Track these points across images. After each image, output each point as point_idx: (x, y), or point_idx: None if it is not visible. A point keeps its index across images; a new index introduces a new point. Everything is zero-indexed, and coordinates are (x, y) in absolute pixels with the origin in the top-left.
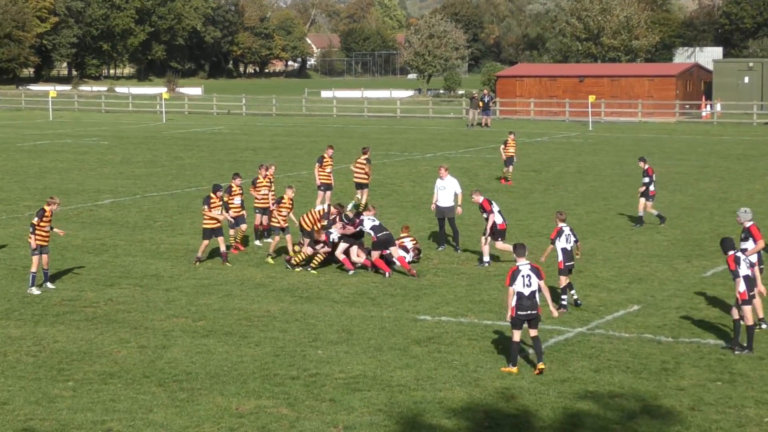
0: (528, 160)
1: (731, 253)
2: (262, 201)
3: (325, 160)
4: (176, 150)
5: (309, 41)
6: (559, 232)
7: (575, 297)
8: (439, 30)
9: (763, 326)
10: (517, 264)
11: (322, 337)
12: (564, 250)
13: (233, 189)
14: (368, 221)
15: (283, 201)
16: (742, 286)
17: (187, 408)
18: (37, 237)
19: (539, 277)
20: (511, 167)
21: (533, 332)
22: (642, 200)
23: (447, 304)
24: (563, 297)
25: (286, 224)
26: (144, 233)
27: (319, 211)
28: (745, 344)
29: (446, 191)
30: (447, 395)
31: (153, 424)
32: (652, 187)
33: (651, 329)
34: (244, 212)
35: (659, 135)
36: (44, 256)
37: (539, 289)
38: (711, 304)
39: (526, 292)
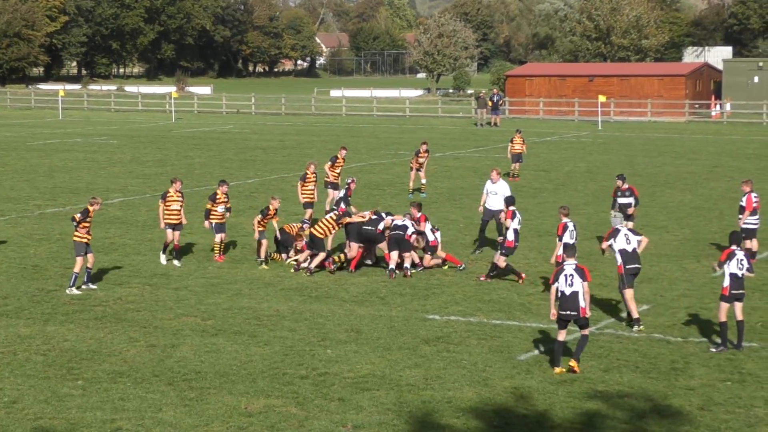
0: (537, 159)
1: (730, 247)
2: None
3: (338, 160)
4: (186, 149)
5: (318, 40)
6: (564, 227)
7: None
8: (448, 29)
9: (635, 327)
10: (564, 263)
11: (331, 337)
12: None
13: (218, 196)
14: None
15: (269, 211)
16: (726, 282)
17: (196, 407)
18: (80, 235)
19: (583, 278)
20: (518, 164)
21: (584, 331)
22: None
23: (456, 303)
24: None
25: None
26: (153, 232)
27: (331, 217)
28: (734, 342)
29: (498, 196)
30: (456, 395)
31: (162, 423)
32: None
33: (660, 329)
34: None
35: (669, 134)
36: (89, 255)
37: (584, 291)
38: None
39: (568, 291)
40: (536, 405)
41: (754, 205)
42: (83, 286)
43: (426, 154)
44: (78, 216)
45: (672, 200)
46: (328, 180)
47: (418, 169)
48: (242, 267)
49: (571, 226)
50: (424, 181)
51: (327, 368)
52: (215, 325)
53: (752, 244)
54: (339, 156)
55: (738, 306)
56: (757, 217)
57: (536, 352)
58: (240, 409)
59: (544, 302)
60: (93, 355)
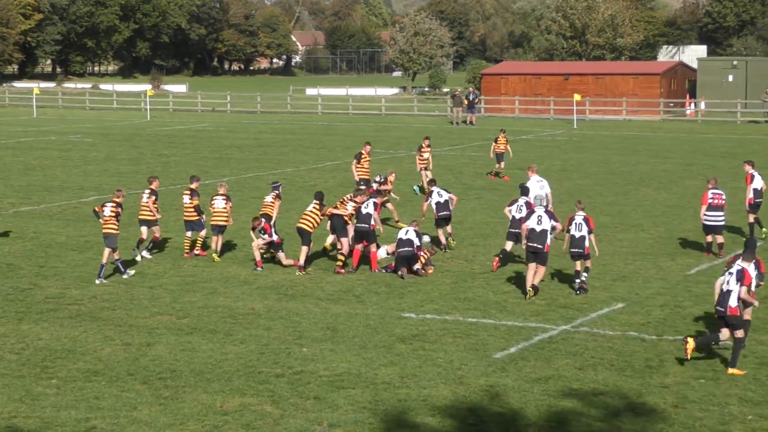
0: (513, 158)
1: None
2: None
3: (363, 156)
4: (161, 147)
5: (294, 39)
6: (571, 220)
7: (584, 285)
8: (424, 27)
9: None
10: (734, 262)
11: (306, 335)
12: (572, 237)
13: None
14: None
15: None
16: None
17: (171, 406)
18: (116, 227)
19: (740, 281)
20: (502, 163)
21: (737, 333)
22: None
23: (432, 301)
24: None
25: (228, 223)
26: (128, 230)
27: (315, 208)
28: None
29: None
30: (431, 393)
31: (137, 422)
32: None
33: (635, 327)
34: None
35: (644, 133)
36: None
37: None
38: (695, 302)
39: (725, 288)
40: (511, 403)
41: (711, 201)
42: (124, 275)
43: (429, 149)
44: (115, 208)
45: (647, 198)
46: (359, 177)
47: (425, 168)
48: (217, 265)
49: (579, 219)
50: (426, 180)
51: (302, 366)
52: (190, 324)
53: (715, 238)
54: (363, 152)
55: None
56: (721, 213)
57: (512, 350)
58: (215, 407)
59: (519, 300)
60: (67, 354)
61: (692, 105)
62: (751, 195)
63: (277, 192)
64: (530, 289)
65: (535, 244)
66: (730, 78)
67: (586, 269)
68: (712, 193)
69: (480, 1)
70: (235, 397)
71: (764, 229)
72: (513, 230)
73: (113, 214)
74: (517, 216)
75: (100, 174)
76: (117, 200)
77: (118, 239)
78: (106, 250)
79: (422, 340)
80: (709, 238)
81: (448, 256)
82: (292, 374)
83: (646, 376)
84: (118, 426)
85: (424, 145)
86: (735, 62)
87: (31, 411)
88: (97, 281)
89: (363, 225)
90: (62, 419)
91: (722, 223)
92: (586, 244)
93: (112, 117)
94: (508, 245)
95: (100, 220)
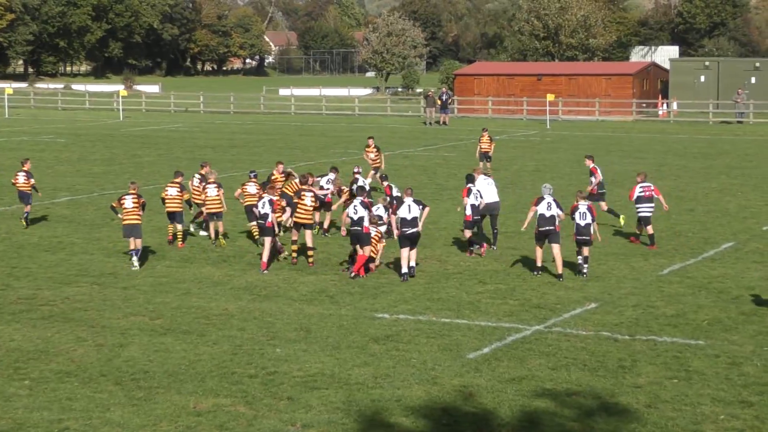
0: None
1: None
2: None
3: (274, 177)
4: (134, 148)
5: (267, 39)
6: (575, 209)
7: (584, 270)
8: (397, 28)
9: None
10: None
11: (280, 336)
12: (578, 225)
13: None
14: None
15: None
16: None
17: (145, 406)
18: (138, 217)
19: None
20: (488, 163)
21: None
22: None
23: (405, 302)
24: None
25: (222, 209)
26: (101, 231)
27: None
28: None
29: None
30: (405, 393)
31: (110, 423)
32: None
33: (608, 327)
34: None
35: (616, 133)
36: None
37: None
38: (668, 302)
39: None
40: (485, 403)
41: (642, 194)
42: (133, 266)
43: (375, 150)
44: (137, 200)
45: (619, 199)
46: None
47: (375, 169)
48: (191, 266)
49: (583, 208)
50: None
51: (276, 367)
52: (164, 325)
53: (646, 229)
54: (275, 172)
55: None
56: (651, 205)
57: (485, 350)
58: (189, 408)
59: (491, 300)
60: (40, 355)
61: (664, 105)
62: (594, 187)
63: (255, 180)
64: (561, 273)
65: (548, 227)
66: (702, 78)
67: (586, 258)
68: (642, 186)
69: (452, 1)
70: (208, 397)
71: (621, 217)
72: (476, 217)
73: (137, 205)
74: (475, 203)
75: (73, 175)
76: (134, 192)
77: (140, 229)
78: (137, 241)
79: (396, 340)
80: (640, 229)
81: (422, 257)
82: (266, 375)
83: (619, 376)
84: (90, 427)
85: (370, 144)
86: (707, 63)
87: (4, 412)
88: (140, 268)
89: (356, 228)
90: (35, 420)
91: (651, 213)
92: (592, 231)
93: (84, 117)
94: (467, 233)
95: (120, 215)
